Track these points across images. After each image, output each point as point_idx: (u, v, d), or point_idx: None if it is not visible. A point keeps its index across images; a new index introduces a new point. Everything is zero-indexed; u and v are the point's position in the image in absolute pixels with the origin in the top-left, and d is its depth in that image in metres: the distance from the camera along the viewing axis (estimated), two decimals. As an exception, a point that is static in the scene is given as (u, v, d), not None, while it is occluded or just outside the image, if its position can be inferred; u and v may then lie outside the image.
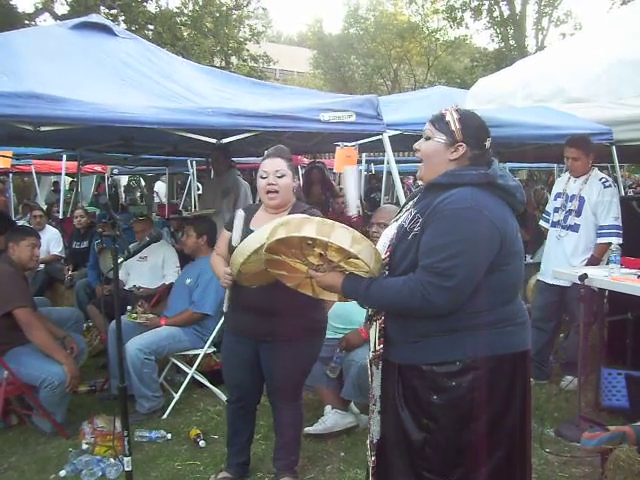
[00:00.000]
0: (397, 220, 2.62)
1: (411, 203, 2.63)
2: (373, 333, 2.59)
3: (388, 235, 2.57)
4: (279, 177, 3.45)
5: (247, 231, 3.39)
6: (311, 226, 2.41)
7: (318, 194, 7.57)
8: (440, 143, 2.48)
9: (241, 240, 3.27)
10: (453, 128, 2.46)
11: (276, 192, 3.45)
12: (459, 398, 2.37)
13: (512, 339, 2.46)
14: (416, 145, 2.58)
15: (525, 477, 2.59)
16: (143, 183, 22.39)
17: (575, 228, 5.28)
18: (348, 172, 2.99)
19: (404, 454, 2.48)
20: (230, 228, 3.61)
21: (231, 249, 3.38)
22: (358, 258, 2.38)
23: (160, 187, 19.57)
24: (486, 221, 2.31)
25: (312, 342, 3.65)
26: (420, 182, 2.66)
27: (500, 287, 2.40)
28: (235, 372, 3.73)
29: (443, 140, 2.47)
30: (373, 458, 2.63)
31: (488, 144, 2.51)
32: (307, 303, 3.06)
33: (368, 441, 2.70)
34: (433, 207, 2.35)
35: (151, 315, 5.31)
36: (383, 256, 2.48)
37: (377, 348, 2.56)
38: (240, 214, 3.49)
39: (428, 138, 2.52)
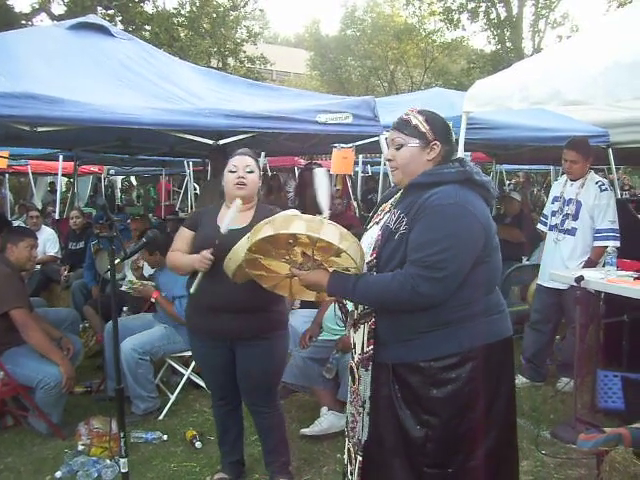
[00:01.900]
0: (378, 223, 2.64)
1: (390, 204, 2.66)
2: (360, 336, 2.60)
3: (372, 237, 2.58)
4: (248, 172, 3.53)
5: (216, 227, 3.45)
6: (300, 223, 2.42)
7: (312, 196, 7.55)
8: (415, 147, 2.52)
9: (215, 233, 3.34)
10: (423, 130, 2.51)
11: (244, 185, 3.52)
12: (459, 389, 2.41)
13: (499, 327, 2.55)
14: (388, 155, 2.62)
15: (515, 450, 2.71)
16: (135, 183, 22.38)
17: (572, 232, 5.28)
18: (318, 174, 3.07)
19: (402, 453, 2.49)
20: (193, 227, 3.64)
21: (204, 236, 3.46)
22: (342, 255, 2.40)
23: None
24: (471, 216, 2.38)
25: (284, 336, 3.67)
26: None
27: (484, 279, 2.48)
28: (213, 375, 3.75)
29: (417, 144, 2.51)
30: (360, 459, 2.62)
31: (454, 138, 2.62)
32: (272, 297, 3.09)
33: (350, 444, 2.70)
34: (418, 205, 2.40)
35: (147, 282, 5.30)
36: (369, 258, 2.50)
37: (366, 350, 2.56)
38: (238, 203, 3.46)
39: (400, 146, 2.55)
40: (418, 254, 2.34)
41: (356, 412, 2.64)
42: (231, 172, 3.54)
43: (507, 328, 2.59)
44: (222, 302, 3.41)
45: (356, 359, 2.63)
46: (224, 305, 3.42)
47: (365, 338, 2.56)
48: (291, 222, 2.44)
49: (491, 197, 2.55)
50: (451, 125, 2.68)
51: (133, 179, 22.15)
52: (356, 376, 2.63)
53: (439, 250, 2.31)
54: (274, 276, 2.73)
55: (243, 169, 3.52)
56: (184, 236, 3.66)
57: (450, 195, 2.38)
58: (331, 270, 2.52)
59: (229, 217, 3.37)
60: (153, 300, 5.14)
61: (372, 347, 2.53)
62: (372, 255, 2.50)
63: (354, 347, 2.66)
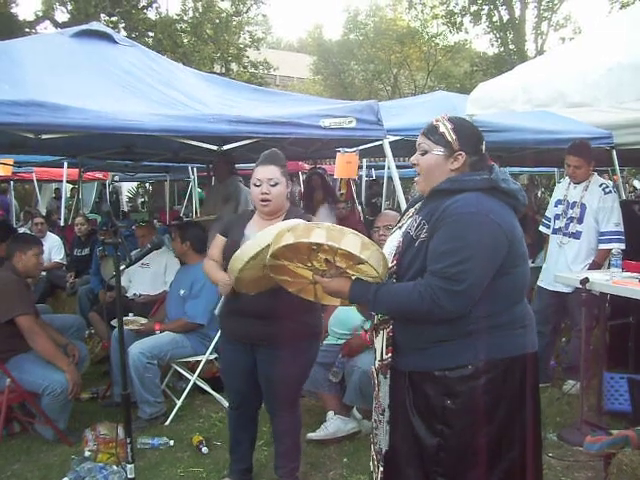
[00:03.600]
0: (400, 228, 2.62)
1: (413, 210, 2.63)
2: (380, 342, 2.58)
3: (393, 243, 2.57)
4: (272, 186, 3.45)
5: (245, 238, 3.41)
6: (320, 232, 2.40)
7: (320, 200, 7.57)
8: (439, 155, 2.48)
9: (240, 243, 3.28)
10: (449, 139, 2.47)
11: (269, 201, 3.47)
12: (473, 402, 2.37)
13: (522, 341, 2.47)
14: (413, 159, 2.58)
15: (539, 470, 2.62)
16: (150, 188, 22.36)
17: (577, 235, 5.28)
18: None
19: (417, 462, 2.47)
20: (225, 234, 3.62)
21: (229, 246, 3.42)
22: (366, 264, 2.37)
23: None
24: (493, 225, 2.32)
25: (308, 347, 3.65)
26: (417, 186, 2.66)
27: (508, 290, 2.42)
28: (234, 379, 3.75)
29: (442, 152, 2.47)
30: (381, 468, 2.61)
31: (484, 148, 2.53)
32: (302, 308, 3.07)
33: (374, 451, 2.69)
34: (440, 213, 2.36)
35: (144, 320, 5.33)
36: (390, 264, 2.48)
37: (385, 357, 2.54)
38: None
39: (425, 152, 2.52)
40: (438, 265, 2.30)
41: (377, 419, 2.64)
42: (255, 186, 3.48)
43: (531, 342, 2.51)
44: (245, 307, 3.42)
45: (376, 365, 2.61)
46: (247, 310, 3.43)
47: (384, 345, 2.54)
48: (312, 231, 2.42)
49: (520, 205, 2.48)
50: None
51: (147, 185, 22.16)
52: (375, 382, 2.63)
53: (459, 261, 2.27)
54: (299, 281, 2.72)
55: (267, 182, 3.44)
56: (218, 243, 3.66)
57: (471, 203, 2.34)
58: (354, 277, 2.50)
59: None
60: (157, 332, 5.14)
61: (390, 355, 2.51)
62: (393, 262, 2.48)
63: (374, 352, 2.65)
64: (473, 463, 2.40)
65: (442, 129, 2.49)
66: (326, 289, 2.57)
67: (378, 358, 2.60)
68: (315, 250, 2.47)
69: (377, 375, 2.61)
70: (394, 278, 2.47)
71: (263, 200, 3.47)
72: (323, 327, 4.91)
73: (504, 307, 2.42)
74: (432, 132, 2.51)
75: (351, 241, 2.36)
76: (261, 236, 2.94)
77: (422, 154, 2.53)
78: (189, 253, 5.38)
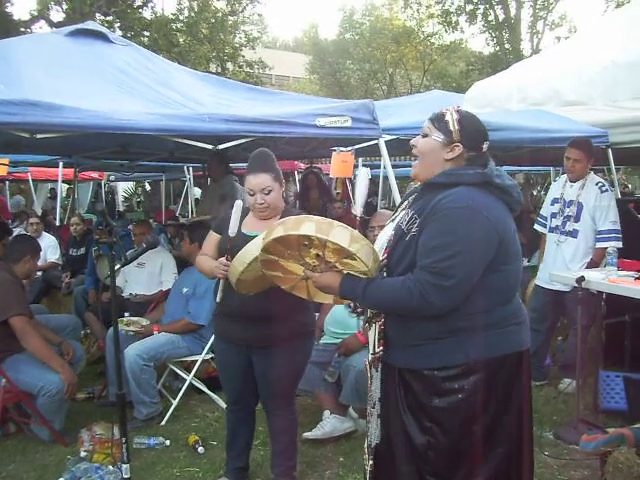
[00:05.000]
0: (393, 220, 2.62)
1: (406, 203, 2.63)
2: (372, 335, 2.58)
3: (385, 236, 2.57)
4: (266, 194, 3.44)
5: (240, 235, 3.39)
6: (310, 224, 2.40)
7: (316, 199, 7.58)
8: (437, 142, 2.48)
9: (236, 239, 3.27)
10: (451, 128, 2.46)
11: (265, 207, 3.47)
12: (462, 401, 2.36)
13: (514, 338, 2.47)
14: (413, 141, 2.59)
15: (529, 468, 2.61)
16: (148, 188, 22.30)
17: (574, 234, 5.28)
18: (362, 174, 3.10)
19: (407, 458, 2.46)
20: (219, 231, 3.62)
21: (224, 240, 3.41)
22: (356, 257, 2.37)
23: None
24: (484, 221, 2.31)
25: (302, 346, 3.65)
26: (413, 183, 2.66)
27: (499, 287, 2.40)
28: (229, 378, 3.76)
29: (440, 139, 2.47)
30: (371, 462, 2.61)
31: (485, 147, 2.52)
32: (294, 307, 3.06)
33: (366, 444, 2.69)
34: (431, 207, 2.35)
35: (144, 322, 5.33)
36: (381, 257, 2.47)
37: (377, 350, 2.54)
38: (238, 203, 3.42)
39: (425, 135, 2.53)
40: (427, 259, 2.30)
41: (369, 412, 2.64)
42: (250, 195, 3.47)
43: (523, 340, 2.50)
44: (237, 310, 3.43)
45: (370, 357, 2.61)
46: (239, 313, 3.44)
47: (376, 338, 2.54)
48: (301, 223, 2.42)
49: (514, 202, 2.47)
50: None
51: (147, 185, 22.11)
52: (368, 375, 2.63)
53: (448, 256, 2.26)
54: (290, 277, 2.71)
55: (260, 192, 3.43)
56: (212, 240, 3.67)
57: (463, 198, 2.32)
58: (345, 272, 2.50)
59: (233, 220, 3.35)
60: (156, 333, 5.13)
61: (382, 348, 2.51)
62: (384, 255, 2.48)
63: (368, 344, 2.65)
64: (463, 462, 2.40)
65: (448, 117, 2.49)
66: (316, 284, 2.57)
67: (371, 351, 2.60)
68: (307, 245, 2.47)
69: (370, 368, 2.62)
70: (384, 272, 2.46)
71: (258, 209, 3.48)
72: (317, 325, 4.95)
73: (496, 304, 2.41)
74: (438, 118, 2.52)
75: (340, 233, 2.36)
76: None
77: (422, 136, 2.55)
78: (196, 254, 5.32)
